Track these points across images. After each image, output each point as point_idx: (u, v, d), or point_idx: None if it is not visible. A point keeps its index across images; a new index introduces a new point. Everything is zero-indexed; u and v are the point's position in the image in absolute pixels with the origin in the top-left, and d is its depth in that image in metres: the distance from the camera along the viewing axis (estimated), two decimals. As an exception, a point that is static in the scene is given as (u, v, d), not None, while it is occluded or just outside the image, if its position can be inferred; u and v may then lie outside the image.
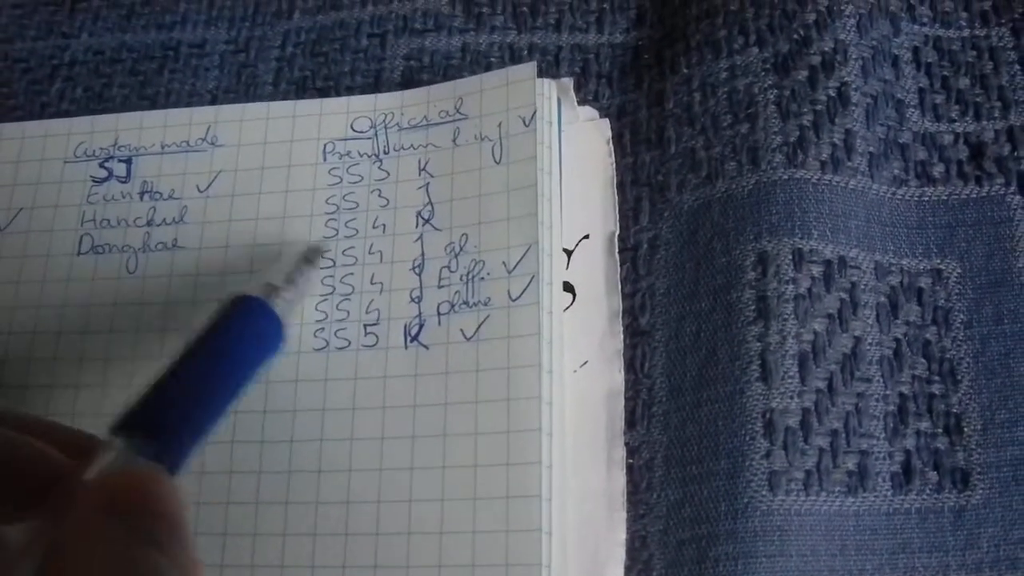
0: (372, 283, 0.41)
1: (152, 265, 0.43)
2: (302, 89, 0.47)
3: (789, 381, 0.38)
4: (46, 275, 0.44)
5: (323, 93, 0.46)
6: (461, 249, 0.41)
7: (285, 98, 0.46)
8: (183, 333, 0.41)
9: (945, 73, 0.43)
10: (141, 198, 0.44)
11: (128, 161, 0.45)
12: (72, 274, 0.43)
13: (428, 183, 0.42)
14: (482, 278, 0.40)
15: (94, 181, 0.45)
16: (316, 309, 0.41)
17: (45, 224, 0.44)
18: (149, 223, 0.44)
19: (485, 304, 0.40)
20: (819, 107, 0.41)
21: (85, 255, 0.44)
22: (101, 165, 0.45)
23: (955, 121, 0.42)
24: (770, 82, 0.42)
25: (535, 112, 0.41)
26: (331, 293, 0.41)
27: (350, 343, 0.41)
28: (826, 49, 0.42)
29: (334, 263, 0.42)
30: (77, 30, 0.51)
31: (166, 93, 0.48)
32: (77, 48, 0.50)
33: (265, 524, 0.39)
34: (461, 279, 0.40)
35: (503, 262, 0.40)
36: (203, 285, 0.42)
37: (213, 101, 0.47)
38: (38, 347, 0.43)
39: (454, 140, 0.43)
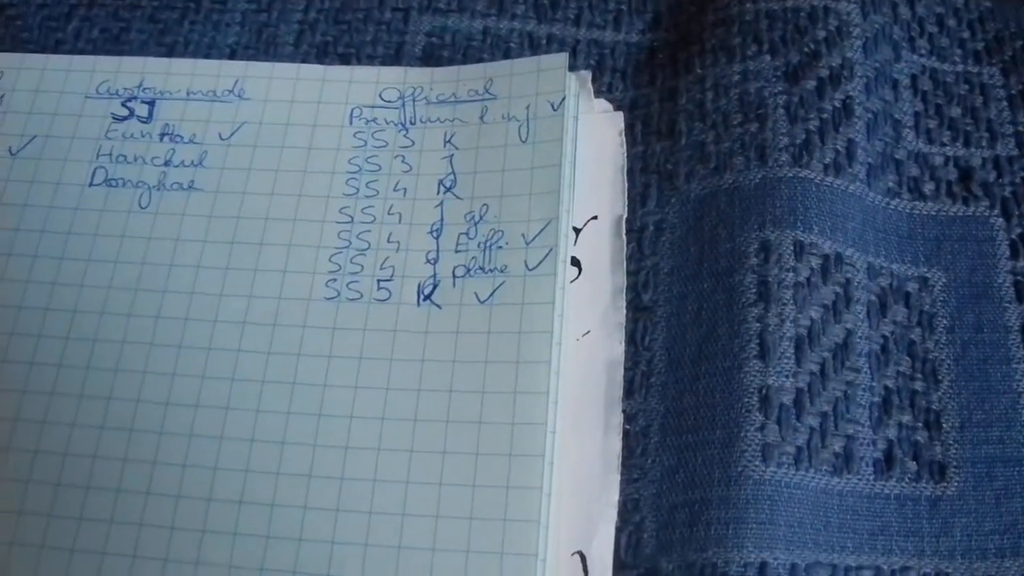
0: (389, 241, 0.42)
1: (166, 203, 0.44)
2: (323, 53, 0.48)
3: (785, 361, 0.39)
4: (53, 202, 0.44)
5: (344, 60, 0.48)
6: (481, 218, 0.42)
7: (305, 60, 0.47)
8: (190, 269, 0.42)
9: (939, 101, 0.46)
10: (161, 139, 0.45)
11: (151, 103, 0.46)
12: (81, 204, 0.44)
13: (452, 155, 0.44)
14: (500, 247, 0.41)
15: (114, 119, 0.45)
16: (330, 261, 0.42)
17: (59, 153, 0.45)
18: (167, 163, 0.44)
19: (501, 271, 0.41)
20: (825, 115, 0.43)
21: (97, 187, 0.44)
22: (123, 104, 0.46)
23: (946, 145, 0.45)
24: (780, 88, 0.44)
25: (563, 98, 0.43)
26: (347, 247, 0.42)
27: (362, 296, 0.41)
28: (834, 64, 0.44)
29: (351, 219, 0.43)
30: (99, -32, 0.51)
31: (184, 43, 0.49)
32: (98, -12, 0.51)
33: (257, 463, 0.39)
34: (479, 246, 0.42)
35: (522, 233, 0.41)
36: (216, 227, 0.43)
37: (232, 56, 0.48)
38: (38, 271, 0.43)
39: (481, 117, 0.44)
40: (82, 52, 0.48)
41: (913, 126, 0.45)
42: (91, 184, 0.44)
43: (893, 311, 0.41)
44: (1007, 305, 0.42)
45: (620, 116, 0.46)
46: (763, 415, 0.39)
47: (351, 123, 0.45)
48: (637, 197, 0.44)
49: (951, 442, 0.40)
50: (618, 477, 0.39)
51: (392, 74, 0.46)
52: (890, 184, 0.44)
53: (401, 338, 0.41)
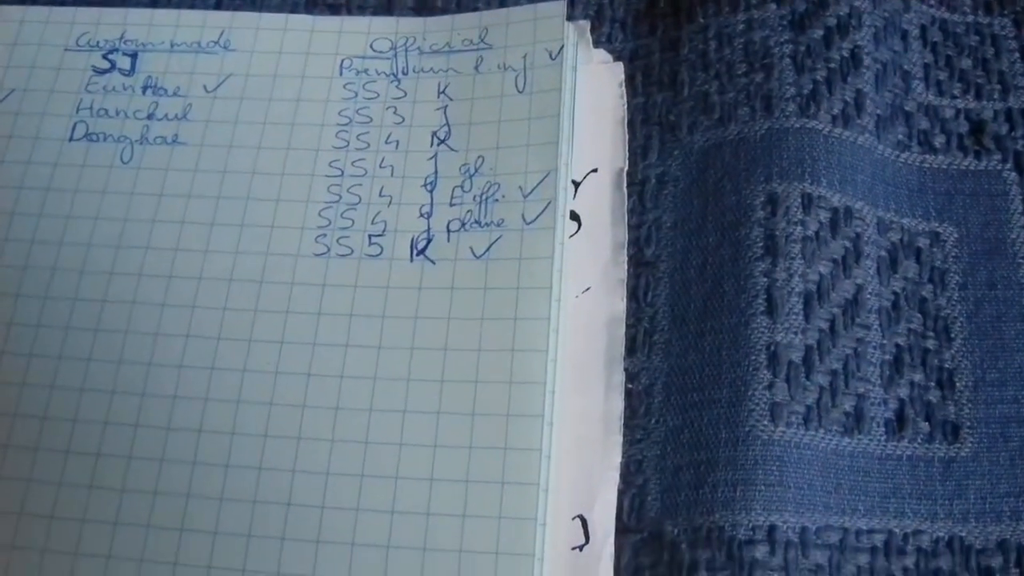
0: (381, 195, 0.40)
1: (148, 157, 0.41)
2: (312, 3, 0.45)
3: (794, 317, 0.37)
4: (32, 157, 0.42)
5: (334, 10, 0.45)
6: (476, 171, 0.40)
7: (294, 11, 0.45)
8: (174, 225, 0.39)
9: (949, 53, 0.43)
10: (144, 92, 0.42)
11: (134, 55, 0.43)
12: (61, 159, 0.41)
13: (447, 106, 0.41)
14: (496, 200, 0.39)
15: (95, 71, 0.43)
16: (319, 215, 0.40)
17: (37, 107, 0.42)
18: (150, 116, 0.42)
19: (498, 225, 0.39)
20: (832, 65, 0.41)
21: (77, 141, 0.42)
22: (104, 56, 0.43)
23: (957, 97, 0.42)
24: (786, 37, 0.42)
25: (562, 47, 0.41)
26: (337, 201, 0.40)
27: (353, 251, 0.39)
28: (841, 13, 0.42)
29: (342, 172, 0.40)
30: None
31: (169, -6, 0.46)
32: (79, -62, 0.47)
33: (244, 425, 0.37)
34: (474, 199, 0.39)
35: (519, 186, 0.39)
36: (201, 182, 0.41)
37: (218, 6, 0.45)
38: (16, 229, 0.40)
39: (476, 68, 0.42)
40: (61, 3, 0.45)
41: (923, 77, 0.42)
42: (71, 139, 0.42)
43: (904, 267, 0.39)
44: (1021, 261, 0.40)
45: (620, 67, 0.43)
46: (771, 373, 0.36)
47: (341, 74, 0.42)
48: (638, 149, 0.42)
49: (964, 402, 0.37)
50: (620, 438, 0.37)
51: (383, 24, 0.43)
52: (900, 136, 0.41)
53: (393, 295, 0.38)
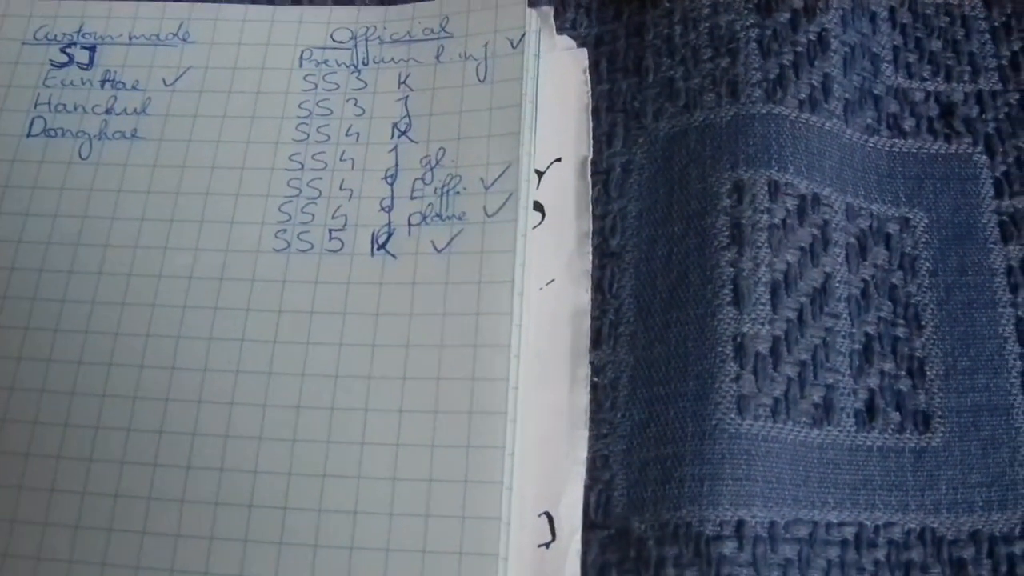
0: (341, 189, 0.38)
1: (107, 153, 0.39)
2: (275, -8, 0.43)
3: (761, 308, 0.35)
4: None
5: (295, 0, 0.43)
6: (437, 163, 0.38)
7: (254, 1, 0.42)
8: (134, 222, 0.38)
9: (919, 35, 0.41)
10: (102, 86, 0.40)
11: (92, 49, 0.41)
12: (19, 155, 0.39)
13: (407, 96, 0.39)
14: (457, 192, 0.37)
15: (53, 65, 0.41)
16: (279, 210, 0.38)
17: (-6, 104, 0.40)
18: (108, 111, 0.40)
19: (459, 218, 0.37)
20: (799, 49, 0.39)
21: (35, 137, 0.40)
22: (63, 50, 0.41)
23: (927, 80, 0.40)
24: (752, 21, 0.40)
25: (523, 35, 0.39)
26: (297, 195, 0.38)
27: (313, 246, 0.37)
28: (808, -4, 0.40)
29: (302, 166, 0.38)
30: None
31: (129, -17, 0.44)
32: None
33: (205, 425, 0.35)
34: (435, 192, 0.37)
35: (480, 178, 0.37)
36: (160, 177, 0.39)
37: (179, -6, 0.43)
38: (-26, 229, 0.38)
39: (437, 57, 0.40)
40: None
41: (892, 60, 0.40)
42: (29, 135, 0.40)
43: (873, 254, 0.37)
44: (992, 246, 0.38)
45: (584, 53, 0.41)
46: (738, 365, 0.34)
47: (301, 66, 0.40)
48: (603, 137, 0.40)
49: (935, 390, 0.35)
50: (586, 433, 0.35)
51: (344, 14, 0.41)
52: (868, 121, 0.39)
53: (354, 290, 0.36)
